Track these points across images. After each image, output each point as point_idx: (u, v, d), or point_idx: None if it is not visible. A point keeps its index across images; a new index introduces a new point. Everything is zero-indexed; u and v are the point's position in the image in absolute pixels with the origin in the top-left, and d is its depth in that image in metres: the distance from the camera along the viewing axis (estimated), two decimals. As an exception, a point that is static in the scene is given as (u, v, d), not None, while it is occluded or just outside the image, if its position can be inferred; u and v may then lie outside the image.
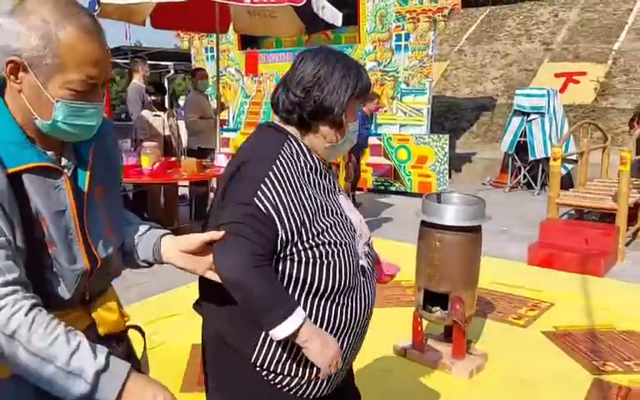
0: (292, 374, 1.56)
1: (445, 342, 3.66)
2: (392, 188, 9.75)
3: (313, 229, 1.51)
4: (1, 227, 1.15)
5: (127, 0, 5.86)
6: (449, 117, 13.41)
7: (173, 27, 8.80)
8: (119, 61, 16.61)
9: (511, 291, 4.89)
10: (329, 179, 1.65)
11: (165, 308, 4.33)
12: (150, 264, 1.52)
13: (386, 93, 9.80)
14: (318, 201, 1.55)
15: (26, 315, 1.12)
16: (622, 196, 6.00)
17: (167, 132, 6.99)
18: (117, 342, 1.44)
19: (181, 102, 16.63)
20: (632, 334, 4.02)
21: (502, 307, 4.54)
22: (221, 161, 6.58)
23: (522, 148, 9.86)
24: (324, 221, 1.54)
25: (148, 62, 8.77)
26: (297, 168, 1.55)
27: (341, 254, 1.54)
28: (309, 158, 1.59)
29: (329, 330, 1.55)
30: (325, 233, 1.53)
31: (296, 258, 1.50)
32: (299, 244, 1.50)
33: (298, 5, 5.92)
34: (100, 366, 1.13)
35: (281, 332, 1.45)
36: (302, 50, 1.67)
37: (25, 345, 1.11)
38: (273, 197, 1.47)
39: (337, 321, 1.56)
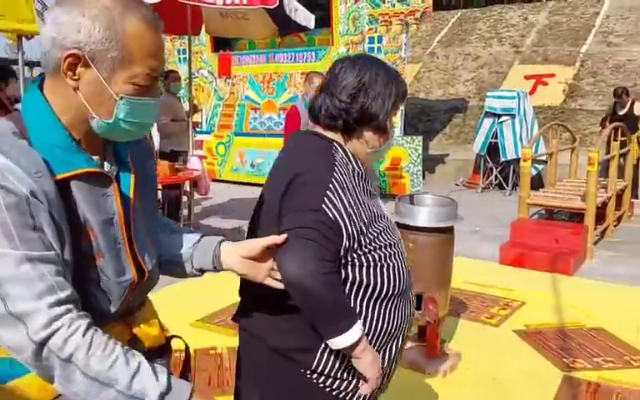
0: (351, 377, 1.56)
1: (419, 342, 3.68)
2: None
3: (370, 234, 1.52)
4: (49, 241, 1.04)
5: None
6: (422, 118, 13.53)
7: (145, 28, 8.69)
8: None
9: (483, 290, 4.95)
10: (371, 184, 1.67)
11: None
12: (202, 272, 1.44)
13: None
14: (370, 206, 1.57)
15: (83, 336, 1.04)
16: (590, 196, 6.12)
17: (138, 135, 6.91)
18: (159, 356, 1.36)
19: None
20: (601, 331, 4.11)
21: (475, 306, 4.59)
22: (194, 163, 6.52)
23: (493, 149, 10.00)
24: (377, 225, 1.56)
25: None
26: (350, 175, 1.56)
27: (396, 256, 1.57)
28: (355, 165, 1.60)
29: (386, 333, 1.56)
30: (380, 237, 1.55)
31: (357, 263, 1.51)
32: (358, 250, 1.51)
33: (271, 7, 5.91)
34: (163, 387, 1.07)
35: (344, 340, 1.45)
36: (341, 58, 1.68)
37: (82, 369, 1.03)
38: (339, 204, 1.47)
39: (392, 323, 1.57)
